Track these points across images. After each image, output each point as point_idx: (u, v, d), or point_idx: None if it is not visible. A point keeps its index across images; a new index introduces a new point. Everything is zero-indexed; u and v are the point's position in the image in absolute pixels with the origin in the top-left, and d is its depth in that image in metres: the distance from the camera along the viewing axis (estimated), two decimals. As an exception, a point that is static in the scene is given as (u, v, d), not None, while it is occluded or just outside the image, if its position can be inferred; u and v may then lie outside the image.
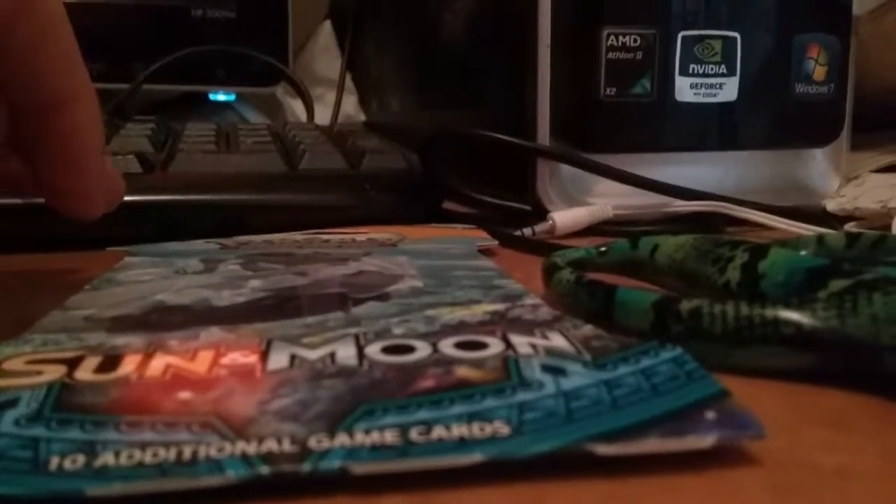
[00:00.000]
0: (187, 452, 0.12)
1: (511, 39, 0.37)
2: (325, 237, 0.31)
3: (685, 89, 0.36)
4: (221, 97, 0.66)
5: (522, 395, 0.13)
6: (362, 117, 0.71)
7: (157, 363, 0.15)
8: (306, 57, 0.73)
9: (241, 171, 0.36)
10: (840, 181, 0.40)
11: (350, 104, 0.71)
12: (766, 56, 0.38)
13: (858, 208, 0.35)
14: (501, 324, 0.17)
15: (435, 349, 0.15)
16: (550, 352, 0.15)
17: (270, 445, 0.12)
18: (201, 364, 0.15)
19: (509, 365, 0.15)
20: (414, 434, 0.12)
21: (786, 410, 0.15)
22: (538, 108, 0.35)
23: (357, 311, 0.19)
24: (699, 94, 0.37)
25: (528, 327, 0.17)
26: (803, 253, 0.21)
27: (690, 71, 0.36)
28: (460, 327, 0.17)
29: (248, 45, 0.62)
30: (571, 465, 0.12)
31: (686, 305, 0.17)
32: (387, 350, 0.16)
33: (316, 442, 0.12)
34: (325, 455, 0.12)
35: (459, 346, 0.16)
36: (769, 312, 0.16)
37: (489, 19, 0.41)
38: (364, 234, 0.32)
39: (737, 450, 0.13)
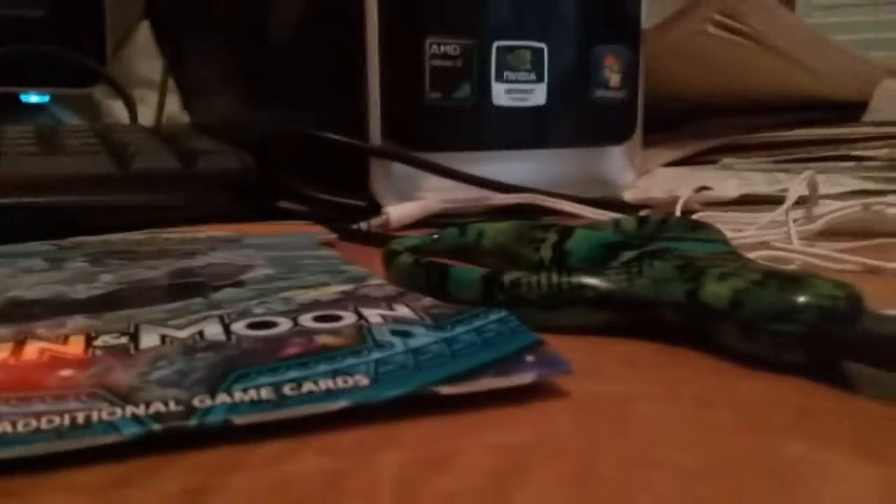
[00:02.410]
0: (80, 417, 0.13)
1: (341, 45, 0.39)
2: (166, 236, 0.31)
3: (501, 94, 0.40)
4: (34, 99, 0.63)
5: (377, 354, 0.16)
6: (185, 118, 0.70)
7: (31, 348, 0.16)
8: (124, 57, 0.71)
9: (71, 172, 0.35)
10: (634, 174, 0.45)
11: (172, 105, 0.70)
12: (569, 64, 0.42)
13: (650, 197, 0.40)
14: (352, 300, 0.19)
15: (296, 323, 0.17)
16: (397, 320, 0.18)
17: (158, 407, 0.13)
18: (75, 347, 0.16)
19: (363, 332, 0.17)
20: (286, 389, 0.14)
21: (590, 356, 0.18)
22: (370, 110, 0.37)
23: (216, 296, 0.20)
24: (513, 98, 0.41)
25: (375, 302, 0.19)
26: (602, 233, 0.25)
27: (505, 77, 0.40)
28: (315, 305, 0.19)
29: (63, 44, 0.60)
30: (421, 405, 0.15)
31: (508, 277, 0.20)
32: (251, 326, 0.17)
33: (199, 401, 0.14)
34: (209, 411, 0.13)
35: (317, 319, 0.18)
36: (574, 280, 0.19)
37: (319, 22, 0.43)
38: (203, 232, 0.32)
39: (553, 387, 0.16)
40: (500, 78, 0.40)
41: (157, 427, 0.13)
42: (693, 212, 0.36)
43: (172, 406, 0.13)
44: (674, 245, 0.21)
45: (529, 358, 0.15)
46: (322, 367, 0.15)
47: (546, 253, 0.23)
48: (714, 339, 0.18)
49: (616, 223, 0.27)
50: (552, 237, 0.23)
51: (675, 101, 0.55)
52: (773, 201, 0.36)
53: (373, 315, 0.18)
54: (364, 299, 0.20)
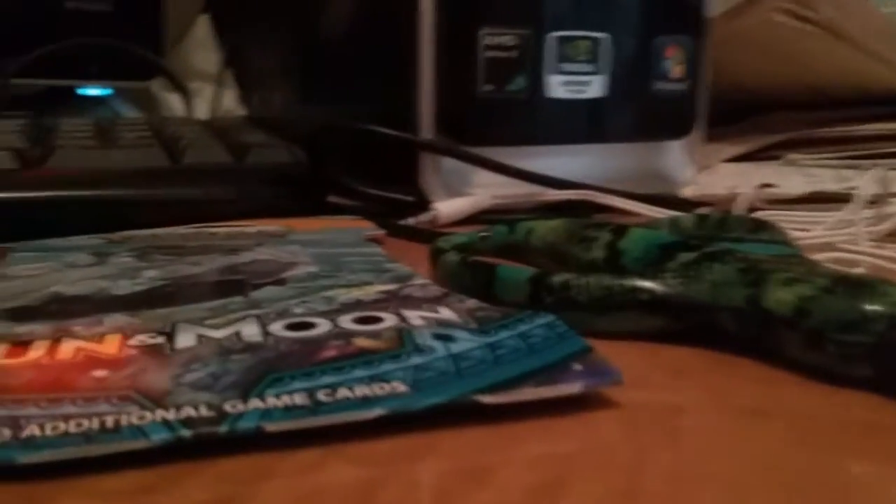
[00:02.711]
0: (110, 421, 0.13)
1: (394, 37, 0.39)
2: (213, 230, 0.31)
3: (557, 86, 0.39)
4: (93, 92, 0.64)
5: (416, 359, 0.15)
6: (241, 112, 0.71)
7: (67, 347, 0.16)
8: (183, 51, 0.72)
9: (123, 165, 0.36)
10: (694, 170, 0.44)
11: (229, 98, 0.71)
12: (629, 55, 0.41)
13: (711, 194, 0.39)
14: (394, 301, 0.19)
15: (334, 324, 0.17)
16: (440, 322, 0.17)
17: (189, 412, 0.13)
18: (110, 346, 0.16)
19: (403, 335, 0.16)
20: (321, 395, 0.14)
21: (640, 363, 0.17)
22: (421, 103, 0.37)
23: (256, 294, 0.20)
24: (569, 91, 0.39)
25: (418, 303, 0.19)
26: (658, 232, 0.24)
27: (561, 69, 0.39)
28: (357, 305, 0.19)
29: (123, 38, 0.61)
30: (462, 414, 0.14)
31: (557, 279, 0.19)
32: (289, 327, 0.17)
33: (231, 407, 0.13)
34: (241, 417, 0.13)
35: (357, 321, 0.17)
36: (627, 282, 0.18)
37: (372, 16, 0.42)
38: (251, 226, 0.32)
39: (600, 396, 0.15)
40: (556, 70, 0.39)
41: (186, 433, 0.13)
42: (755, 210, 0.34)
43: (203, 411, 0.13)
44: (734, 246, 0.20)
45: (577, 366, 0.15)
46: (358, 373, 0.14)
47: (598, 253, 0.22)
48: (773, 347, 0.17)
49: (673, 221, 0.26)
50: (605, 236, 0.22)
51: (739, 93, 0.53)
52: (841, 199, 0.34)
53: (414, 317, 0.17)
54: (406, 300, 0.19)
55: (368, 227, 0.32)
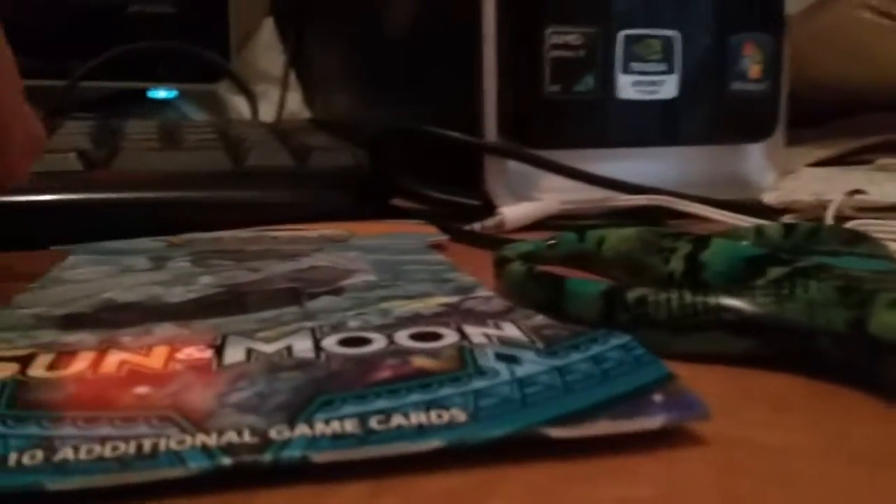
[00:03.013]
0: (147, 446, 0.12)
1: (457, 37, 0.38)
2: (274, 234, 0.31)
3: (627, 87, 0.37)
4: (161, 94, 0.65)
5: (478, 383, 0.14)
6: (307, 114, 0.71)
7: (112, 360, 0.15)
8: (249, 53, 0.72)
9: (186, 168, 0.35)
10: (776, 175, 0.41)
11: (294, 101, 0.71)
12: (703, 54, 0.39)
13: (795, 201, 0.37)
14: (455, 315, 0.18)
15: (391, 341, 0.16)
16: (504, 341, 0.16)
17: (231, 437, 0.12)
18: (156, 360, 0.15)
19: (464, 354, 0.15)
20: (373, 422, 0.12)
21: (728, 392, 0.15)
22: (485, 105, 0.35)
23: (311, 305, 0.19)
24: (640, 91, 0.38)
25: (481, 318, 0.17)
26: (743, 243, 0.22)
27: (632, 69, 0.37)
28: (415, 319, 0.17)
29: (190, 41, 0.62)
30: (526, 448, 0.12)
31: (632, 294, 0.18)
32: (343, 342, 0.16)
33: (276, 433, 0.12)
34: (286, 445, 0.12)
35: (415, 337, 0.16)
36: (711, 300, 0.17)
37: (435, 17, 0.41)
38: (313, 230, 0.32)
39: (683, 430, 0.13)
40: (626, 69, 0.37)
41: (226, 461, 0.12)
42: (845, 218, 0.32)
43: (247, 437, 0.12)
44: (829, 260, 0.18)
45: (657, 397, 0.13)
46: (414, 397, 0.13)
47: (677, 265, 0.20)
48: (882, 377, 0.15)
49: (758, 230, 0.24)
50: (685, 247, 0.21)
51: (824, 93, 0.50)
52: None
53: (476, 334, 0.16)
54: (468, 314, 0.18)
55: (431, 233, 0.31)
